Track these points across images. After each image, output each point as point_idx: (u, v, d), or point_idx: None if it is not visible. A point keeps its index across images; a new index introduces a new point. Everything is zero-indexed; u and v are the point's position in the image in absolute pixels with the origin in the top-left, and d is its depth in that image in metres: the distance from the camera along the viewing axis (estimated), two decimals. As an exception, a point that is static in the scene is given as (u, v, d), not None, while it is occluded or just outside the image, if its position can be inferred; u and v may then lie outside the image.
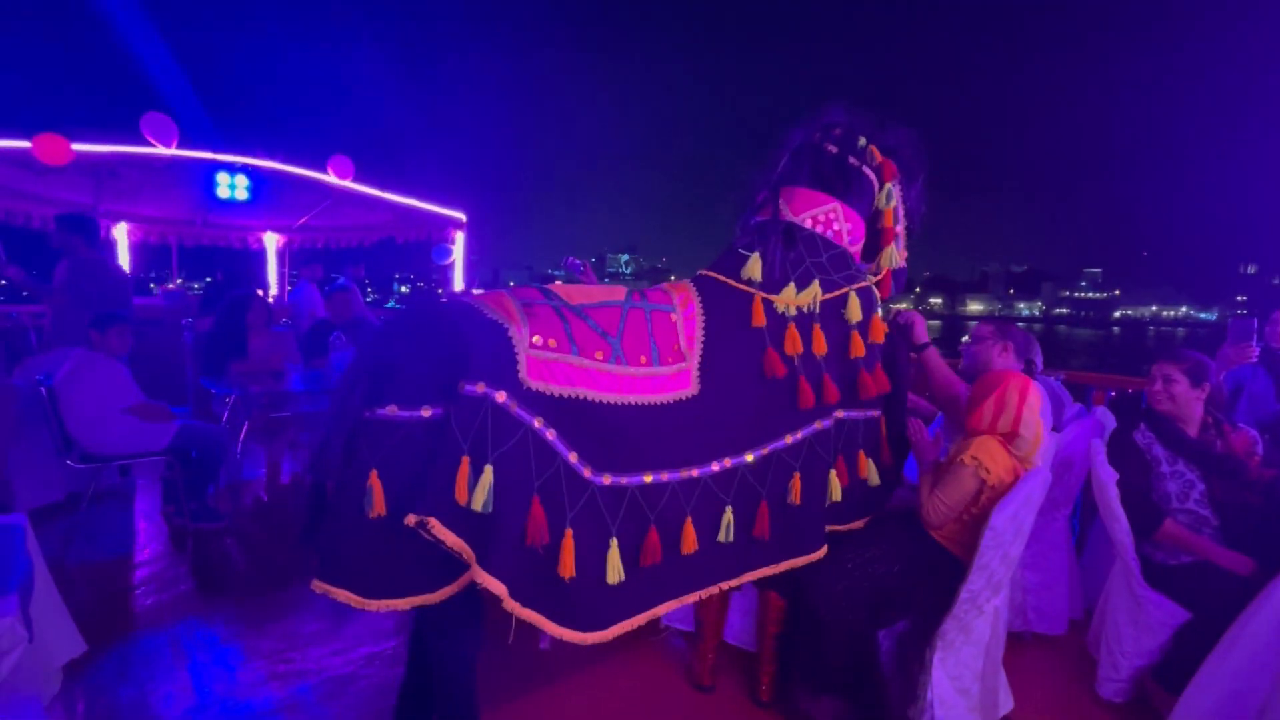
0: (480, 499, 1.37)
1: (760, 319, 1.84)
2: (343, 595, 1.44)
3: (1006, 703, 2.12)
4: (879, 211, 2.13)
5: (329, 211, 6.75)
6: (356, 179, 5.75)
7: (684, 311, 1.81)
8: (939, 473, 2.02)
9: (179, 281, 7.79)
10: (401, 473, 1.41)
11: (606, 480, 1.56)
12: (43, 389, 3.13)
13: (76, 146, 4.31)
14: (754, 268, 1.88)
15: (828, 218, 2.00)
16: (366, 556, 1.44)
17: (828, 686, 1.98)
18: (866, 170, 2.08)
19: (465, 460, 1.38)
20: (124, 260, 6.39)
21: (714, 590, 1.78)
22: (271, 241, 7.45)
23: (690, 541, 1.68)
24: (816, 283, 1.90)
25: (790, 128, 2.13)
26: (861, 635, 1.94)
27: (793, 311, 1.87)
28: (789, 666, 2.18)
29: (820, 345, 1.87)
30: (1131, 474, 2.22)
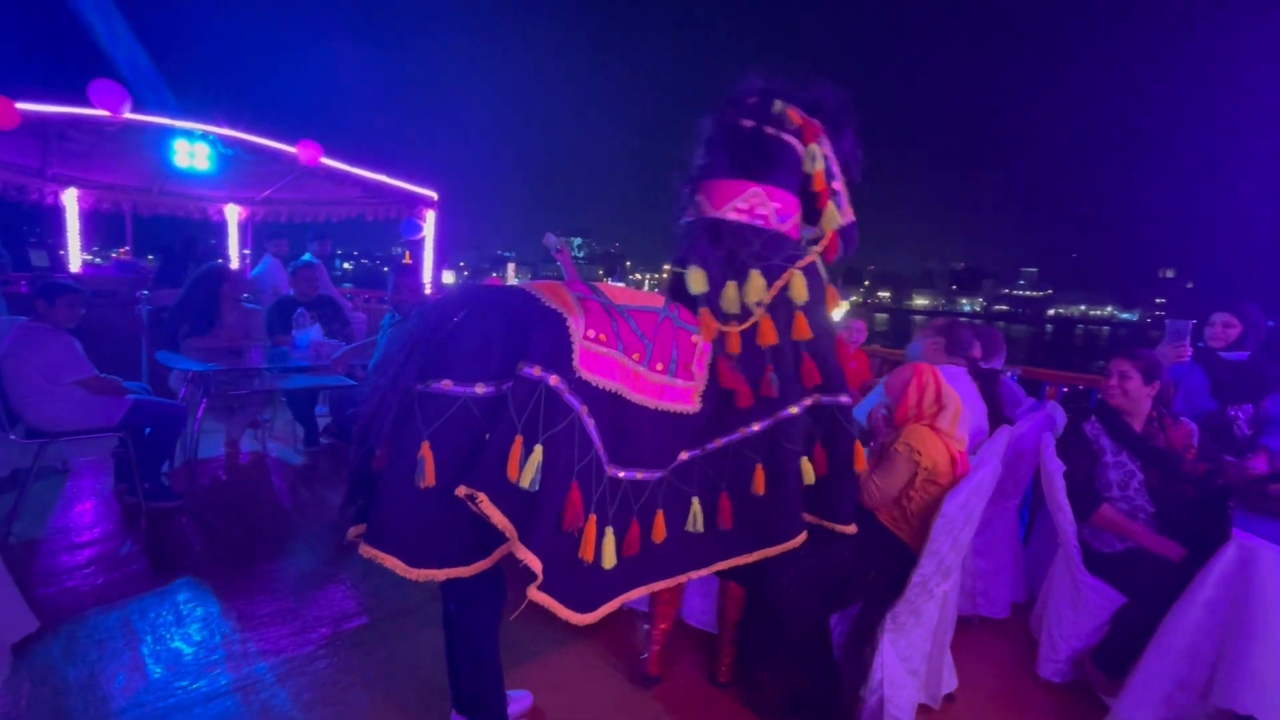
0: (529, 476, 1.39)
1: (710, 331, 1.77)
2: (389, 561, 1.45)
3: (950, 681, 2.16)
4: (808, 176, 1.92)
5: (295, 185, 6.44)
6: (326, 154, 5.49)
7: (704, 339, 1.77)
8: (878, 458, 2.06)
9: (124, 251, 7.33)
10: (452, 446, 1.44)
11: (609, 471, 1.59)
12: (-18, 360, 2.89)
13: (22, 106, 3.98)
14: (696, 281, 1.77)
15: (751, 205, 1.84)
16: (415, 525, 1.46)
17: (783, 668, 1.99)
18: (787, 137, 1.89)
19: (519, 439, 1.40)
20: (72, 227, 5.99)
21: (683, 579, 1.78)
22: (233, 214, 7.08)
23: (659, 531, 1.70)
24: (756, 273, 1.78)
25: (703, 115, 1.96)
26: (814, 619, 1.95)
27: (736, 309, 1.78)
28: (747, 649, 2.18)
29: (768, 337, 1.80)
30: (1077, 461, 2.28)
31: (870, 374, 3.63)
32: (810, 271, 1.88)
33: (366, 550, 1.46)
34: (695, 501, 1.76)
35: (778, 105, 1.91)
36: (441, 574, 1.48)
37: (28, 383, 2.98)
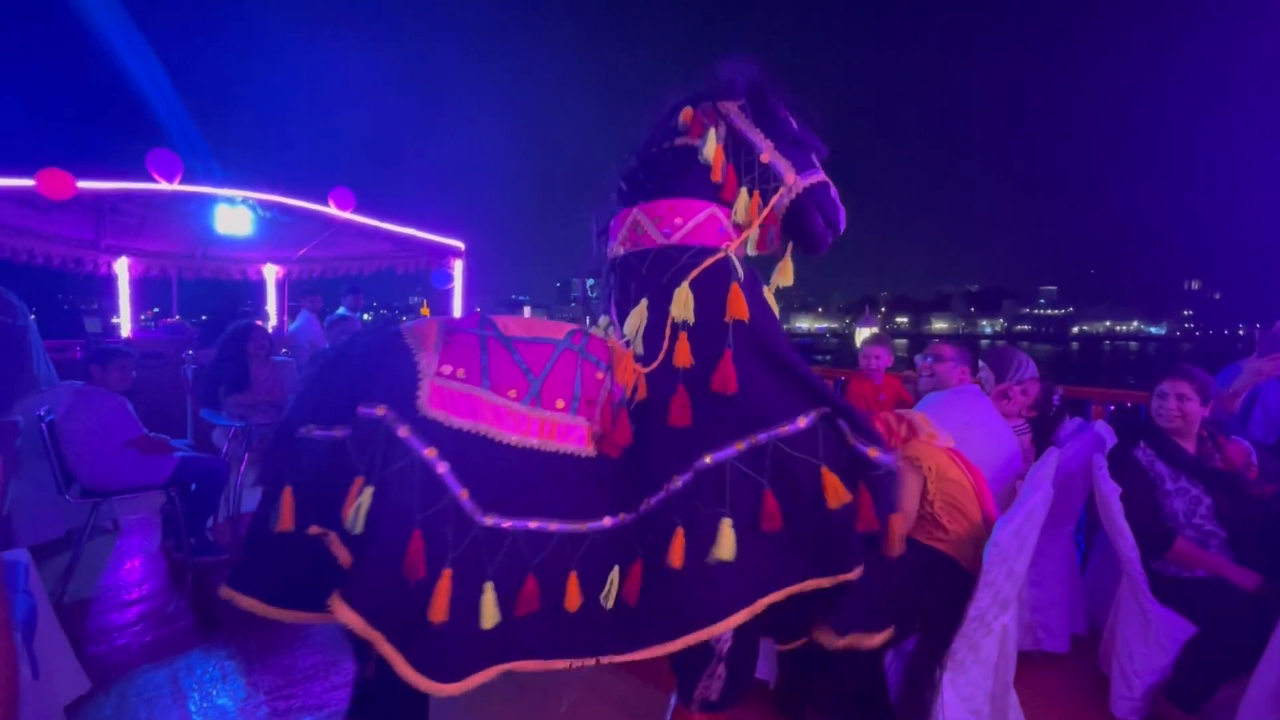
0: (355, 520, 1.31)
1: (630, 378, 1.56)
2: (247, 603, 1.43)
3: (1019, 721, 2.02)
4: (709, 166, 1.65)
5: (328, 242, 6.63)
6: (357, 209, 5.66)
7: (616, 374, 1.56)
8: None
9: (177, 318, 7.60)
10: (312, 489, 1.41)
11: (489, 521, 1.39)
12: (43, 425, 2.97)
13: (81, 184, 4.18)
14: (604, 328, 1.65)
15: (631, 231, 1.66)
16: (275, 567, 1.44)
17: (836, 709, 1.88)
18: (681, 142, 1.68)
19: (359, 481, 1.34)
20: (124, 295, 6.22)
21: (590, 662, 1.46)
22: (271, 273, 7.30)
23: (574, 597, 1.43)
24: (642, 304, 1.59)
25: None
26: (867, 655, 1.85)
27: (639, 352, 1.59)
28: (797, 689, 2.07)
29: (625, 374, 1.57)
30: (1137, 492, 2.16)
31: (909, 396, 3.55)
32: (708, 273, 1.56)
33: (225, 592, 1.44)
34: (615, 571, 1.46)
35: (679, 114, 1.70)
36: (306, 617, 1.44)
37: (83, 444, 3.04)
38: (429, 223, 6.46)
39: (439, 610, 1.31)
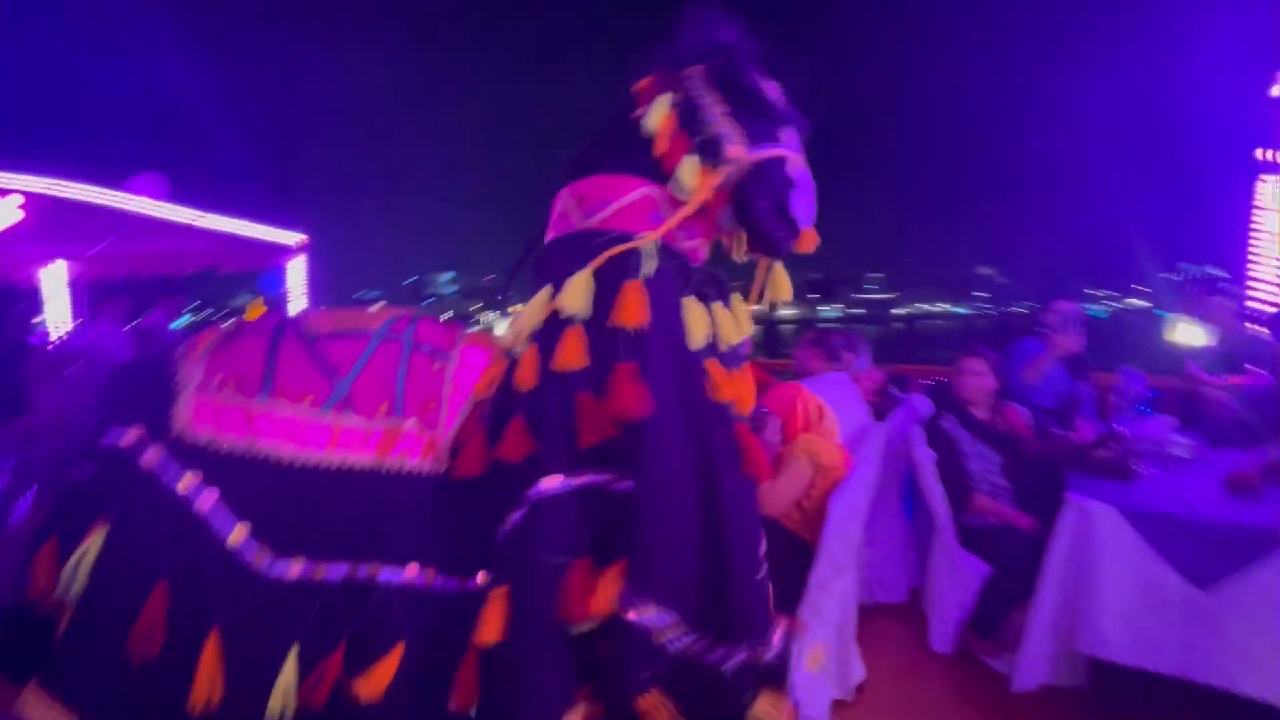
0: (71, 576, 1.06)
1: (495, 379, 1.28)
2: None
3: (859, 671, 2.25)
4: (653, 139, 1.32)
5: (132, 237, 5.74)
6: (172, 198, 4.91)
7: (461, 365, 1.26)
8: (775, 468, 2.13)
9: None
10: (74, 532, 1.14)
11: (295, 569, 1.10)
12: None
13: None
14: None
15: (560, 211, 1.39)
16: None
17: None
18: (635, 115, 1.37)
19: (96, 525, 1.11)
20: None
21: None
22: (56, 274, 6.18)
23: (381, 675, 1.06)
24: (544, 292, 1.28)
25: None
26: None
27: (519, 347, 1.26)
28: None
29: (525, 377, 1.21)
30: (945, 457, 2.49)
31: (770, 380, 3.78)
32: (608, 268, 1.24)
33: None
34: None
35: (637, 85, 1.42)
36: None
37: None
38: (263, 214, 5.80)
39: (202, 692, 1.02)
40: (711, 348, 1.28)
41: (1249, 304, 3.24)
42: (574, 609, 1.06)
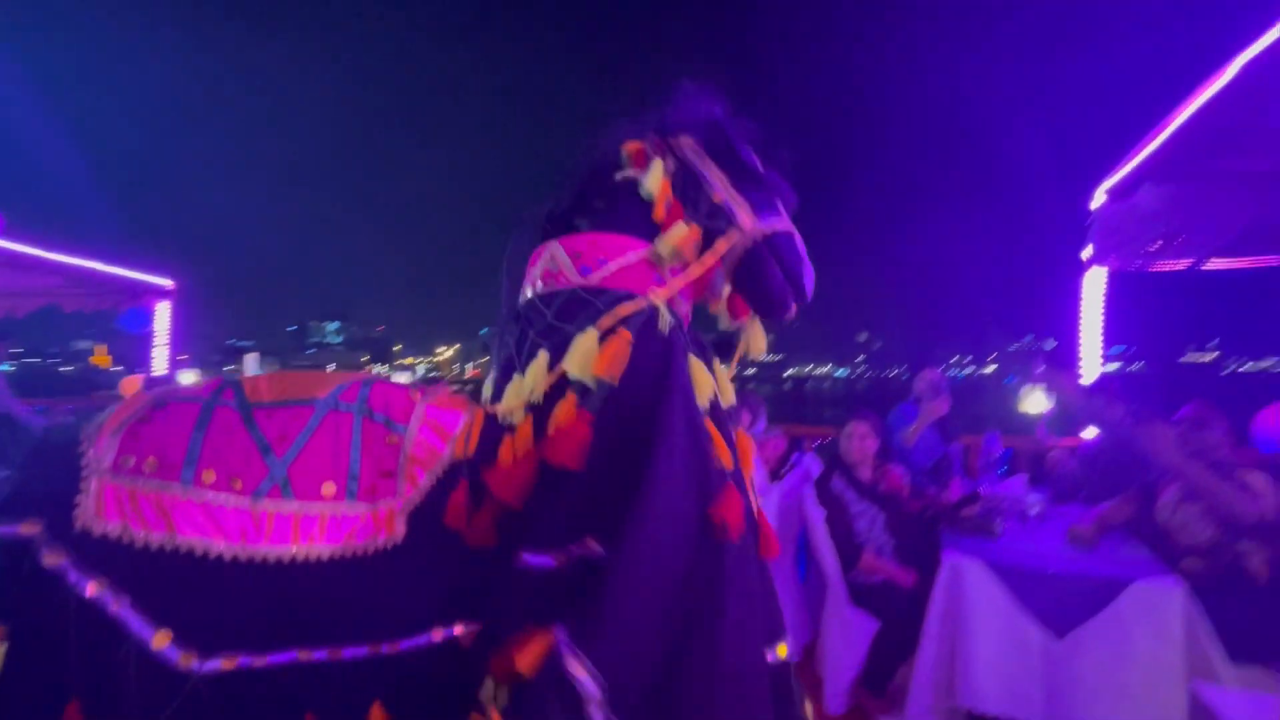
0: None
1: (472, 443, 1.14)
2: None
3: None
4: (650, 202, 1.33)
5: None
6: (8, 235, 4.35)
7: (420, 433, 1.13)
8: None
9: None
10: None
11: (228, 664, 0.98)
12: None
13: None
14: (486, 386, 1.27)
15: (546, 269, 1.31)
16: None
17: None
18: (623, 176, 1.38)
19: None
20: None
21: None
22: None
23: None
24: (541, 355, 1.19)
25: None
26: None
27: (517, 415, 1.15)
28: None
29: (521, 448, 1.11)
30: (834, 516, 2.60)
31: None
32: (643, 326, 1.20)
33: None
34: None
35: (625, 149, 1.40)
36: None
37: None
38: (122, 250, 5.24)
39: None
40: (714, 408, 1.22)
41: (1079, 374, 3.77)
42: (500, 665, 0.97)
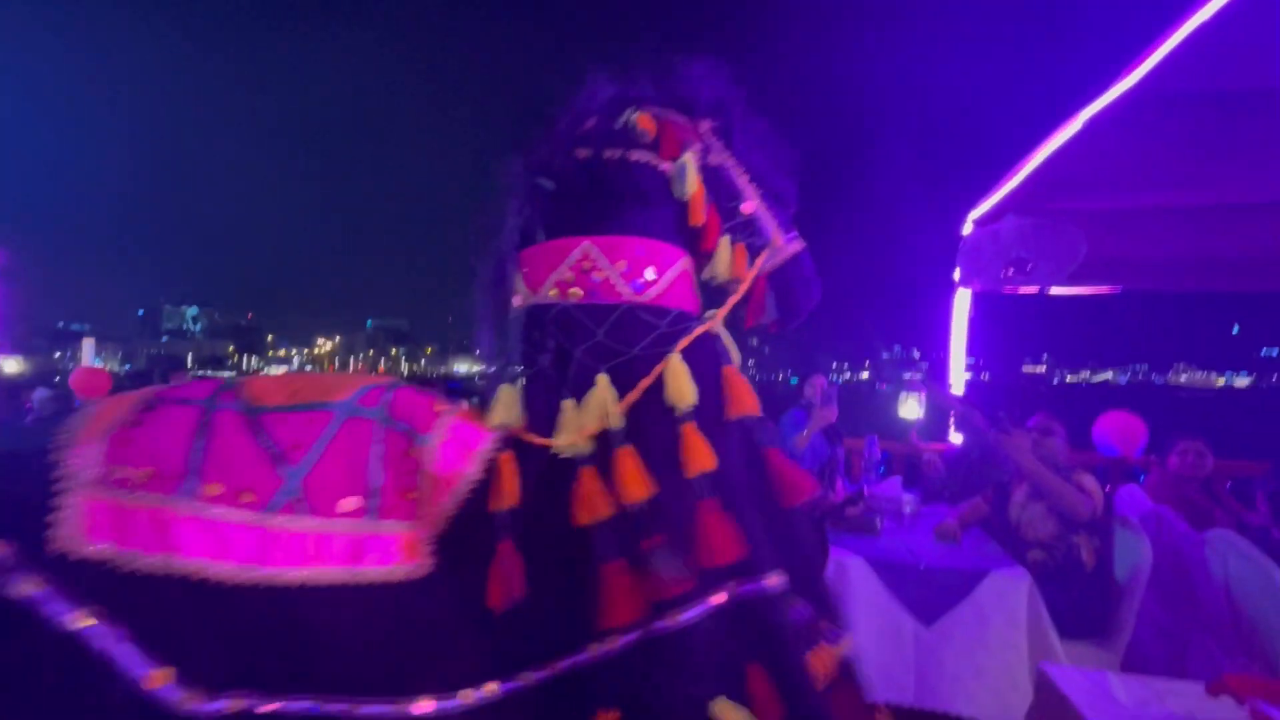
0: None
1: (512, 483, 1.00)
2: None
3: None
4: (682, 205, 1.20)
5: None
6: None
7: (444, 449, 1.00)
8: None
9: None
10: None
11: (234, 705, 0.86)
12: None
13: None
14: (502, 409, 1.08)
15: (580, 271, 1.15)
16: None
17: None
18: (637, 156, 1.20)
19: None
20: None
21: None
22: None
23: None
24: (602, 380, 1.06)
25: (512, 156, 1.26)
26: None
27: (581, 447, 1.02)
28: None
29: (636, 484, 0.98)
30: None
31: None
32: (703, 352, 1.13)
33: None
34: None
35: (629, 115, 1.22)
36: None
37: None
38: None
39: None
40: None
41: (950, 384, 4.19)
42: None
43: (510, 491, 0.98)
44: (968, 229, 3.29)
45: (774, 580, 0.99)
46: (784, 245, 1.26)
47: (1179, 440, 3.12)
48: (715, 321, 1.18)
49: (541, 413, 1.06)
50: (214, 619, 0.86)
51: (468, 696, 0.91)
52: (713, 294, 1.26)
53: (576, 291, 1.13)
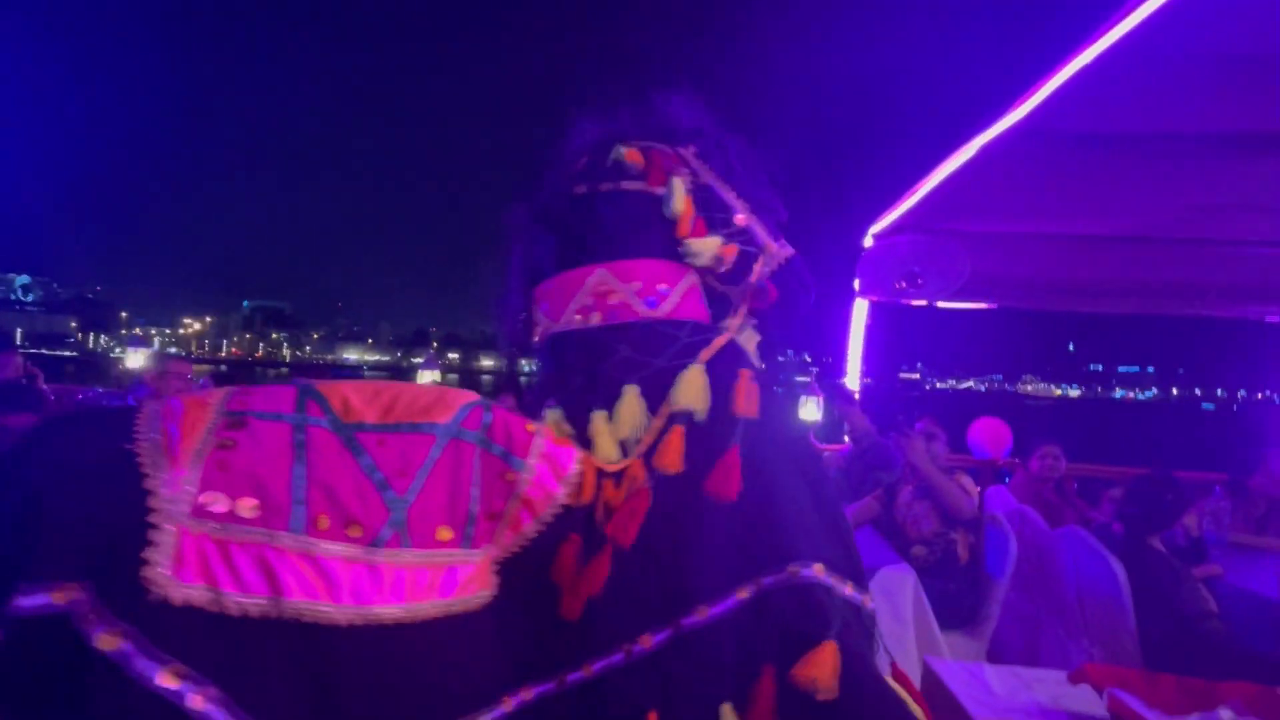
0: None
1: (589, 489, 1.03)
2: None
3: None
4: (674, 223, 1.30)
5: None
6: None
7: (541, 467, 0.99)
8: None
9: None
10: None
11: None
12: None
13: None
14: (554, 427, 1.12)
15: (598, 297, 1.25)
16: None
17: None
18: (628, 185, 1.33)
19: None
20: None
21: None
22: None
23: None
24: (630, 391, 1.13)
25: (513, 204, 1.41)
26: None
27: (615, 456, 1.07)
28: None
29: (674, 457, 1.08)
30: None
31: None
32: (727, 358, 1.22)
33: None
34: None
35: (617, 151, 1.33)
36: None
37: None
38: None
39: None
40: None
41: (845, 389, 4.47)
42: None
43: (585, 489, 1.02)
44: (868, 242, 3.48)
45: (805, 571, 1.01)
46: (778, 251, 1.36)
47: (1039, 444, 3.48)
48: (733, 331, 1.28)
49: (583, 430, 1.11)
50: (318, 666, 0.80)
51: (508, 704, 0.91)
52: (719, 303, 1.36)
53: (596, 315, 1.23)
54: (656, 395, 1.13)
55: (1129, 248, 3.08)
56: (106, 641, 0.70)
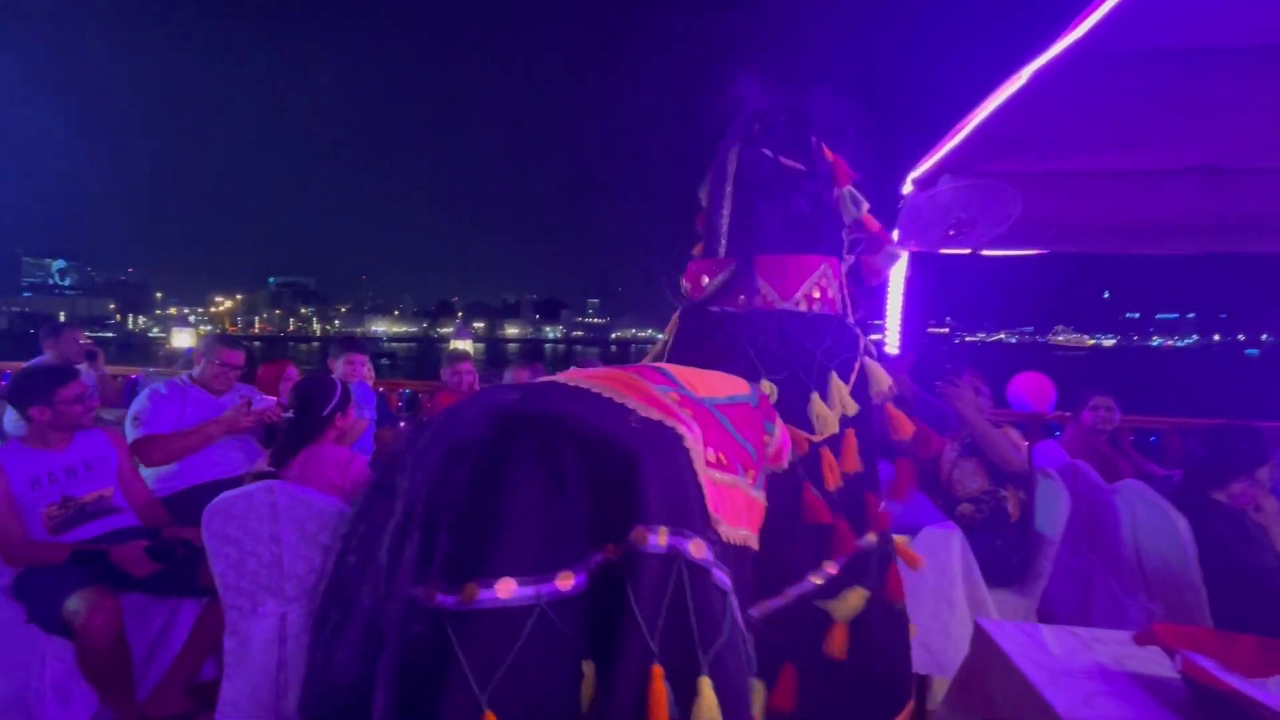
0: None
1: (801, 446, 1.38)
2: None
3: None
4: (850, 225, 1.57)
5: None
6: None
7: (783, 433, 1.35)
8: None
9: None
10: (532, 701, 0.81)
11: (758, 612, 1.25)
12: None
13: None
14: (770, 393, 1.41)
15: (821, 287, 1.48)
16: None
17: None
18: (835, 190, 1.54)
19: (657, 670, 0.79)
20: None
21: None
22: None
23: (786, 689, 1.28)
24: (835, 378, 1.44)
25: (705, 125, 1.55)
26: None
27: (825, 431, 1.40)
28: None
29: (851, 460, 1.43)
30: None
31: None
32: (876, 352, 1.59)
33: None
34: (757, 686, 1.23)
35: (817, 144, 1.52)
36: None
37: None
38: None
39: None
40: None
41: (887, 342, 4.33)
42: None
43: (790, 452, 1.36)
44: (907, 188, 3.28)
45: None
46: (894, 250, 1.62)
47: (1092, 395, 3.31)
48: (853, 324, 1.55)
49: (795, 406, 1.38)
50: (741, 569, 1.04)
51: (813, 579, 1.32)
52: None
53: (817, 304, 1.46)
54: (821, 380, 1.43)
55: (1203, 179, 2.82)
56: (697, 552, 0.88)
